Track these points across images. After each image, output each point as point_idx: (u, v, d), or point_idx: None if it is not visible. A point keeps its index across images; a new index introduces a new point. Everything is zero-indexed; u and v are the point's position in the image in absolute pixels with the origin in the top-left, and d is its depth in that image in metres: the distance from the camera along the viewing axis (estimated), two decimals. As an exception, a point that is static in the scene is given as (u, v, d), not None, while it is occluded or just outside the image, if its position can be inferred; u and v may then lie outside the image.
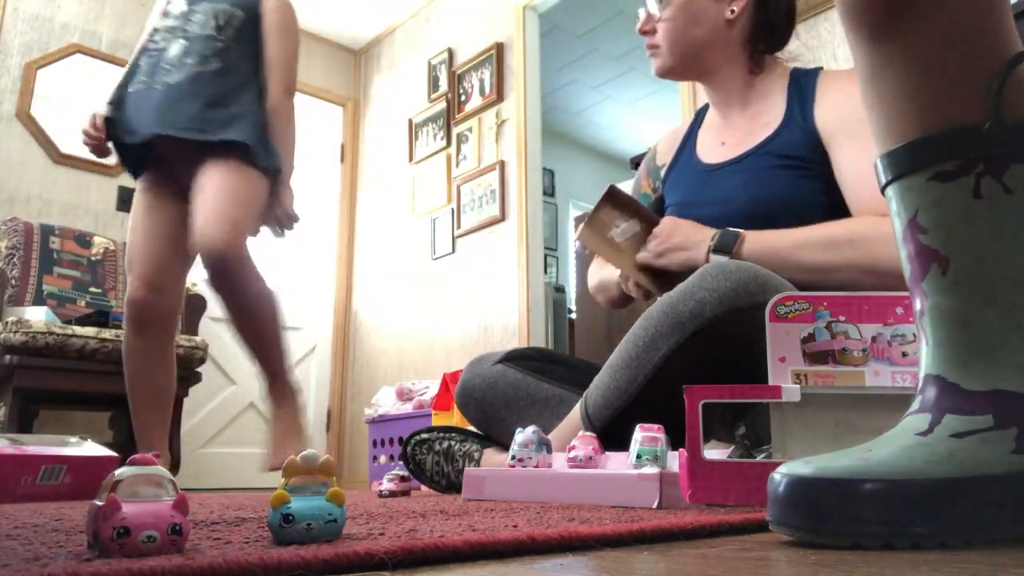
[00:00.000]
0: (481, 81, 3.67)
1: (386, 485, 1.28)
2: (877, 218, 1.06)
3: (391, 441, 2.89)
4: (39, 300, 2.84)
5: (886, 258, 1.02)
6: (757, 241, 1.11)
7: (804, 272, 1.07)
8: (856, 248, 1.05)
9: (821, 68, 1.27)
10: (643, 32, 1.33)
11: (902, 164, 0.51)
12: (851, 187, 1.12)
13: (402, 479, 1.30)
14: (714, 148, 1.33)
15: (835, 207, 1.15)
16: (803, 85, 1.24)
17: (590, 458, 0.90)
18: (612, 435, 1.02)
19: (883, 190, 0.53)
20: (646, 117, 5.66)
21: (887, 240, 1.02)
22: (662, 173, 1.44)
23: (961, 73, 0.49)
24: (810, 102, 1.21)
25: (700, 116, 1.45)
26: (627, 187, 1.54)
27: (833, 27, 2.33)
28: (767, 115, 1.26)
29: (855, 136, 1.13)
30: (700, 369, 0.97)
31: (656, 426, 0.88)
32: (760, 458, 0.81)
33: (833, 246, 1.07)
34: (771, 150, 1.21)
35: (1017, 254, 0.47)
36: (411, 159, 4.00)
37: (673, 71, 1.32)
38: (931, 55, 0.50)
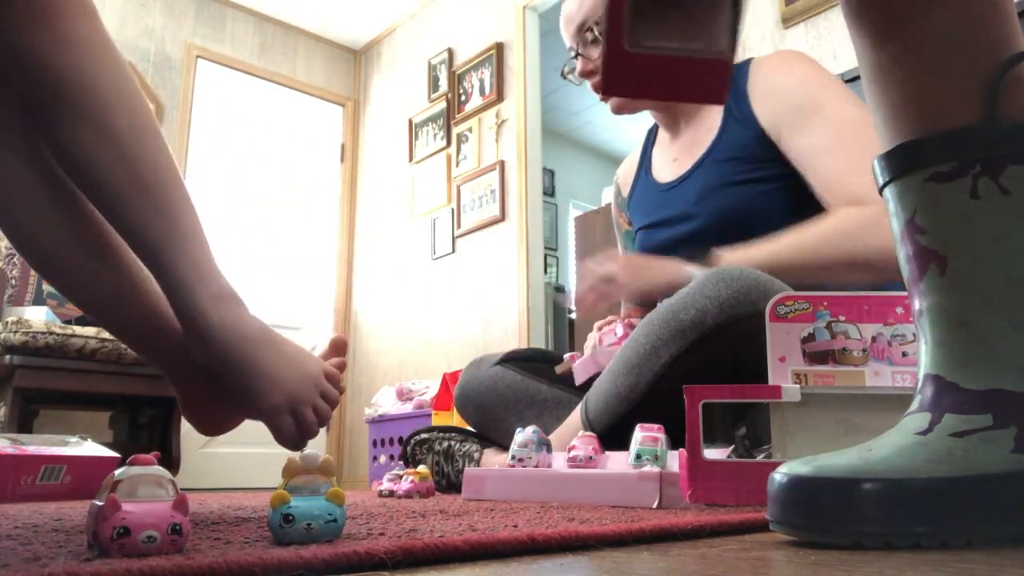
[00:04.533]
0: (481, 81, 3.67)
1: (404, 486, 1.12)
2: (853, 209, 1.04)
3: (391, 441, 2.89)
4: (39, 300, 2.84)
5: (873, 249, 1.00)
6: (735, 258, 1.08)
7: (794, 278, 1.02)
8: (840, 245, 1.02)
9: (752, 59, 1.24)
10: (587, 74, 1.30)
11: (899, 165, 0.51)
12: (818, 179, 1.10)
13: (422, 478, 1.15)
14: (667, 166, 1.33)
15: (802, 204, 1.14)
16: (736, 79, 1.23)
17: (590, 458, 0.91)
18: (612, 436, 1.02)
19: (881, 191, 0.53)
20: (645, 117, 5.66)
21: (869, 231, 1.00)
22: (627, 202, 1.45)
23: (960, 74, 0.50)
24: (743, 95, 1.20)
25: (651, 136, 1.45)
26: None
27: (833, 27, 2.33)
28: (708, 120, 1.26)
29: (802, 125, 1.12)
30: (701, 376, 0.96)
31: (656, 426, 0.88)
32: (760, 458, 0.81)
33: (816, 249, 1.04)
34: (717, 156, 1.21)
35: (1015, 254, 0.47)
36: (411, 159, 4.00)
37: (634, 102, 1.32)
38: (931, 56, 0.50)
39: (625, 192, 1.46)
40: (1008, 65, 0.48)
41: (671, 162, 1.32)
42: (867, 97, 0.56)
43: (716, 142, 1.21)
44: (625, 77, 0.42)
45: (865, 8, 0.53)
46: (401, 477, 1.16)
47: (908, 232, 0.51)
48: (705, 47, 0.40)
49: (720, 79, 0.41)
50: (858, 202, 1.04)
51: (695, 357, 0.97)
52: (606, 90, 0.42)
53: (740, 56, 1.32)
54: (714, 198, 1.19)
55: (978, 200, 0.48)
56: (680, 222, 1.24)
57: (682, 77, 0.41)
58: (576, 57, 1.31)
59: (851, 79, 1.89)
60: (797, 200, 1.15)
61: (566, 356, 1.30)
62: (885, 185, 0.52)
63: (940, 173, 0.49)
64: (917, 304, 0.51)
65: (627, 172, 1.47)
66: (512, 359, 1.41)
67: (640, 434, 0.86)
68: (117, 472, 0.40)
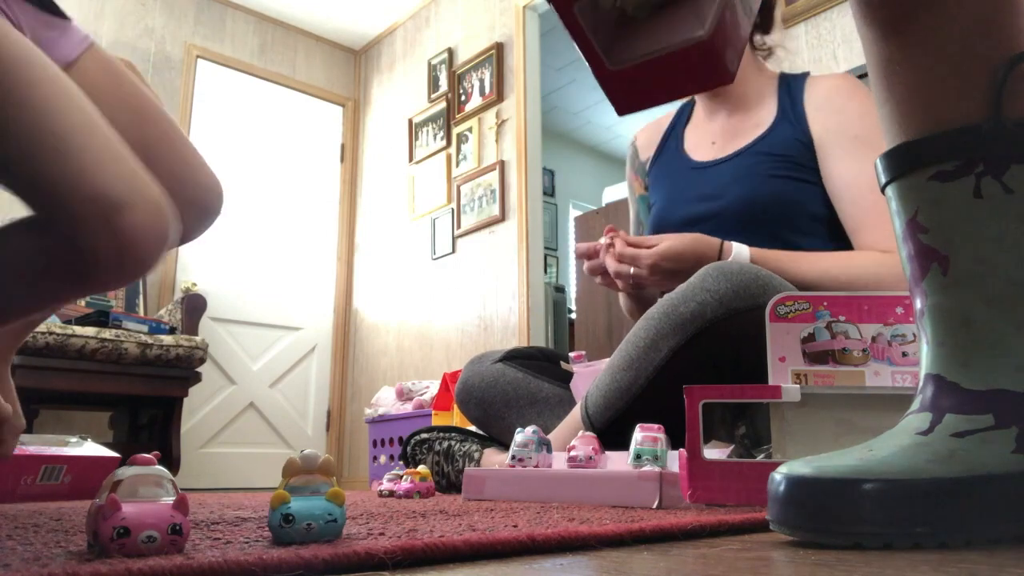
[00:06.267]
0: (481, 81, 3.67)
1: (404, 486, 1.13)
2: (888, 257, 1.06)
3: (391, 441, 2.89)
4: (39, 300, 2.83)
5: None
6: (769, 260, 1.10)
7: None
8: (872, 287, 1.04)
9: (808, 73, 1.28)
10: None
11: (902, 163, 0.51)
12: (855, 212, 1.13)
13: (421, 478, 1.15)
14: (704, 147, 1.33)
15: (834, 216, 1.16)
16: (792, 87, 1.26)
17: (590, 458, 0.90)
18: (612, 435, 1.02)
19: (883, 189, 0.53)
20: (646, 117, 5.66)
21: (902, 283, 1.02)
22: (647, 168, 1.44)
23: (966, 71, 0.49)
24: (800, 103, 1.23)
25: (685, 112, 1.44)
26: (621, 189, 1.55)
27: (833, 27, 2.33)
28: (757, 115, 1.27)
29: (851, 154, 1.13)
30: (701, 370, 0.97)
31: (656, 426, 0.87)
32: (760, 458, 0.81)
33: (846, 282, 1.06)
34: (763, 149, 1.22)
35: (1017, 254, 0.47)
36: (411, 159, 4.00)
37: None
38: (939, 52, 0.50)
39: (644, 156, 1.46)
40: (1014, 63, 0.47)
41: (708, 143, 1.33)
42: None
43: (764, 136, 1.23)
44: (626, 94, 0.40)
45: (876, 1, 0.52)
46: (401, 477, 1.15)
47: (910, 231, 0.50)
48: (685, 36, 0.38)
49: (712, 60, 0.39)
50: (892, 251, 1.07)
51: (695, 351, 0.98)
52: (618, 111, 0.41)
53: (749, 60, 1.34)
54: (748, 184, 1.20)
55: (981, 199, 0.47)
56: (706, 200, 1.24)
57: (679, 72, 0.40)
58: None
59: (851, 79, 1.89)
60: (831, 211, 1.17)
61: (571, 355, 1.30)
62: (888, 183, 0.52)
63: (943, 172, 0.48)
64: (919, 303, 0.51)
65: (649, 137, 1.46)
66: (513, 357, 1.41)
67: (640, 434, 0.86)
68: (117, 472, 0.40)
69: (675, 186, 1.33)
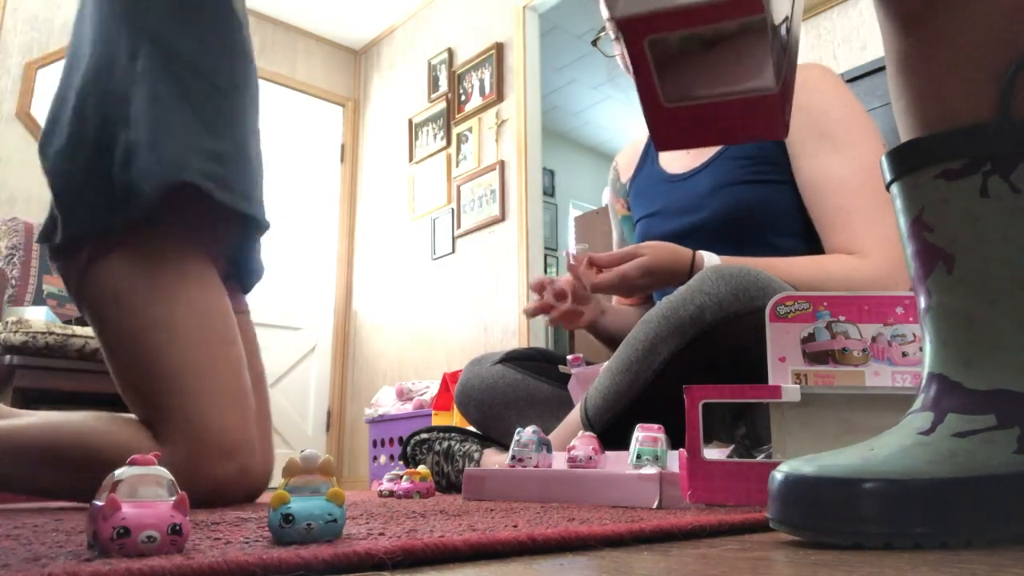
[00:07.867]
0: (481, 81, 3.66)
1: (404, 486, 1.13)
2: (859, 262, 1.05)
3: (391, 441, 2.89)
4: (39, 300, 2.84)
5: None
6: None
7: None
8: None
9: None
10: None
11: (908, 161, 0.50)
12: (824, 213, 1.11)
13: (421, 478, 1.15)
14: (679, 158, 1.33)
15: (808, 217, 1.16)
16: None
17: (590, 458, 0.90)
18: (612, 436, 1.02)
19: (888, 186, 0.53)
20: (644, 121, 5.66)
21: (875, 288, 1.02)
22: (627, 188, 1.44)
23: (977, 69, 0.49)
24: None
25: None
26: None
27: (833, 27, 2.33)
28: None
29: (821, 153, 1.12)
30: (700, 373, 0.96)
31: (656, 426, 0.87)
32: (760, 458, 0.81)
33: (819, 285, 1.05)
34: (735, 152, 1.21)
35: (1023, 254, 0.47)
36: (411, 159, 4.00)
37: None
38: (953, 49, 0.50)
39: (624, 178, 1.46)
40: (1022, 62, 0.47)
41: (683, 154, 1.32)
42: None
43: None
44: (672, 132, 0.40)
45: None
46: (401, 477, 1.15)
47: (915, 229, 0.50)
48: (748, 85, 0.38)
49: (773, 114, 0.39)
50: (860, 253, 1.06)
51: (694, 354, 0.97)
52: (658, 147, 0.41)
53: None
54: (726, 193, 1.19)
55: (988, 198, 0.47)
56: (687, 213, 1.23)
57: (732, 119, 0.39)
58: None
59: (851, 79, 1.89)
60: (805, 211, 1.16)
61: (569, 357, 1.29)
62: (893, 181, 0.52)
63: (950, 170, 0.48)
64: (922, 302, 0.51)
65: (628, 159, 1.46)
66: (513, 358, 1.41)
67: (640, 434, 0.86)
68: (117, 472, 0.40)
69: (654, 201, 1.32)
